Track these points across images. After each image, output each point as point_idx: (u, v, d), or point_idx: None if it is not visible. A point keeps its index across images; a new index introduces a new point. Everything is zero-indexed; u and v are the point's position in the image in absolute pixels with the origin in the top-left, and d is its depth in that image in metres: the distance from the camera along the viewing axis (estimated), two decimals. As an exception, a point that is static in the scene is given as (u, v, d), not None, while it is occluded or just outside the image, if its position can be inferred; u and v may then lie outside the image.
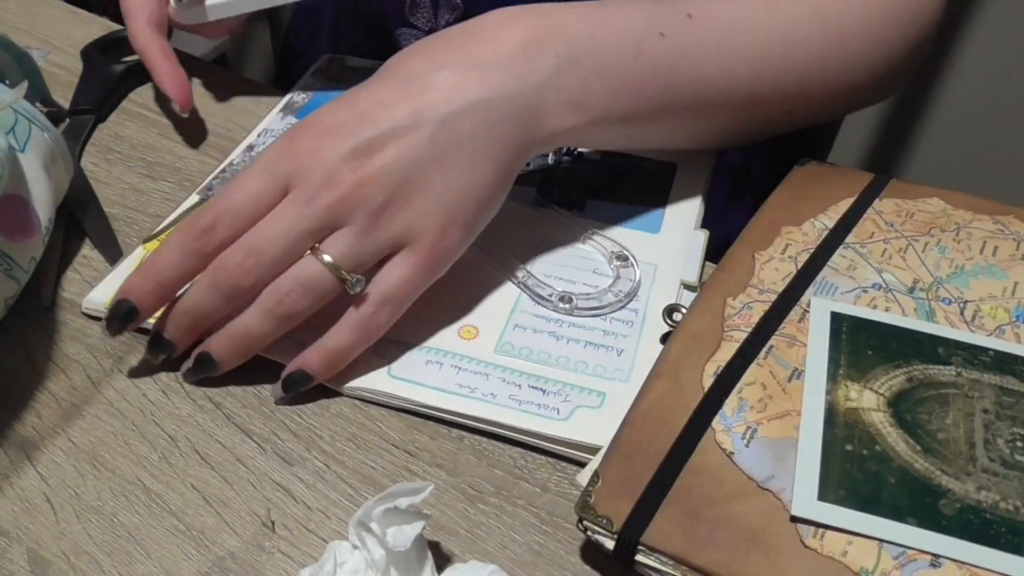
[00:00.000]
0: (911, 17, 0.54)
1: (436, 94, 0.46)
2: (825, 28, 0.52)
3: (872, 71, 0.54)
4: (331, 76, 0.68)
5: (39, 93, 0.64)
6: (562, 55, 0.48)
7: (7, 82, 0.59)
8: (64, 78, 0.69)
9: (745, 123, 0.55)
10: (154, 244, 0.55)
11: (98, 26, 0.75)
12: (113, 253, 0.55)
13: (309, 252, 0.45)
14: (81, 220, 0.57)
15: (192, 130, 0.65)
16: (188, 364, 0.48)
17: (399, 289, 0.46)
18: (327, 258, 0.44)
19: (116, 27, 0.73)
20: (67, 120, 0.64)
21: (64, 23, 0.76)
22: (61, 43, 0.73)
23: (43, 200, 0.51)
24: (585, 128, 0.49)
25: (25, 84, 0.50)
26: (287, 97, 0.67)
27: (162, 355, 0.48)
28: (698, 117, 0.53)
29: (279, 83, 0.68)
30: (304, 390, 0.47)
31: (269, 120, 0.64)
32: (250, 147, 0.62)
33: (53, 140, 0.53)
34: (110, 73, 0.68)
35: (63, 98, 0.66)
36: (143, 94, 0.69)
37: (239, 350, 0.47)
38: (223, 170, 0.60)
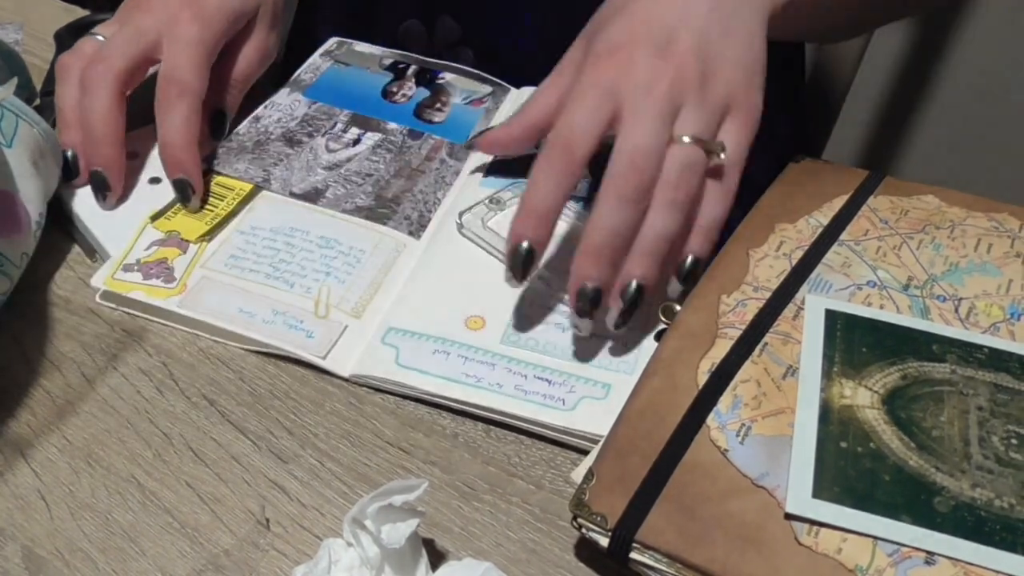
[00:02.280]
0: None
1: None
2: None
3: None
4: (339, 58, 0.68)
5: (26, 89, 0.63)
6: None
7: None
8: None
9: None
10: (162, 221, 0.55)
11: (92, 22, 0.75)
12: (87, 247, 0.56)
13: (670, 143, 0.47)
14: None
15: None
16: (615, 315, 0.48)
17: (739, 149, 0.49)
18: (686, 139, 0.47)
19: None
20: (38, 101, 0.64)
21: (57, 19, 0.75)
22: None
23: (32, 195, 0.51)
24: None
25: (14, 81, 0.50)
26: (295, 74, 0.67)
27: (594, 306, 0.47)
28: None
29: (277, 84, 0.68)
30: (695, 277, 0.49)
31: (277, 95, 0.65)
32: (256, 117, 0.63)
33: (42, 135, 0.53)
34: None
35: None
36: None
37: (659, 259, 0.47)
38: (229, 140, 0.61)
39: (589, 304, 0.47)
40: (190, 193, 0.56)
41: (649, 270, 0.47)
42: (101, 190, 0.56)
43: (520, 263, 0.47)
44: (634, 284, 0.47)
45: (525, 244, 0.47)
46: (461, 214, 0.55)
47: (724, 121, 0.49)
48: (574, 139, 0.47)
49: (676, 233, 0.47)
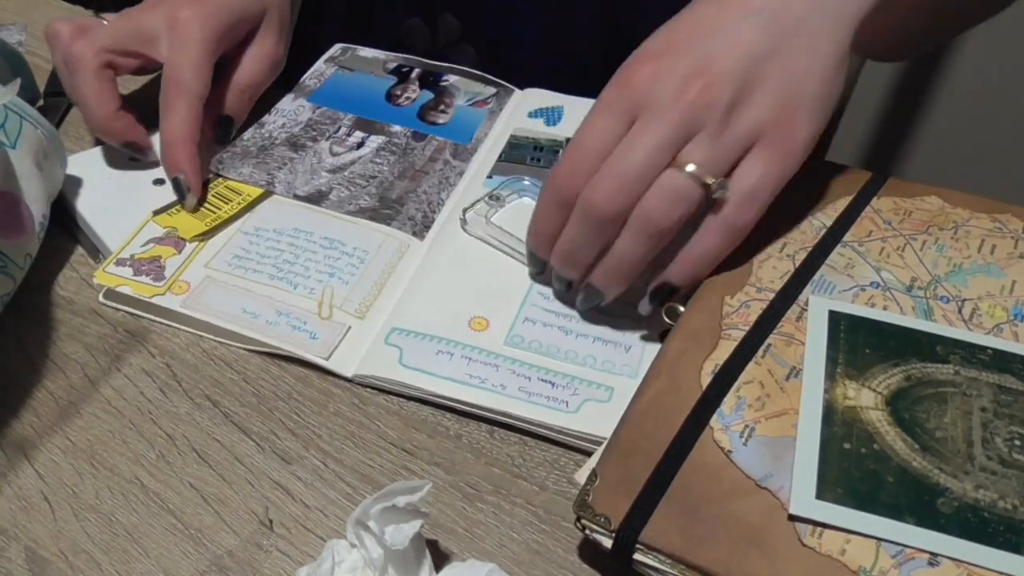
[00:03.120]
0: None
1: None
2: None
3: None
4: (343, 64, 0.68)
5: (30, 91, 0.64)
6: None
7: None
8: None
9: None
10: (164, 217, 0.56)
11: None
12: (91, 247, 0.56)
13: (668, 167, 0.45)
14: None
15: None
16: (580, 296, 0.50)
17: (758, 185, 0.46)
18: (689, 168, 0.44)
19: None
20: (41, 102, 0.64)
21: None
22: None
23: (36, 196, 0.51)
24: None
25: (17, 82, 0.50)
26: (300, 80, 0.67)
27: (560, 290, 0.51)
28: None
29: (281, 89, 0.68)
30: (671, 297, 0.48)
31: (283, 101, 0.65)
32: (261, 123, 0.63)
33: (46, 136, 0.53)
34: None
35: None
36: (121, 80, 0.69)
37: (618, 277, 0.47)
38: (233, 145, 0.61)
39: (564, 287, 0.50)
40: (186, 191, 0.56)
41: (609, 284, 0.48)
42: (133, 153, 0.59)
43: (537, 271, 0.52)
44: (591, 286, 0.48)
45: (541, 262, 0.50)
46: (464, 211, 0.55)
47: (750, 152, 0.46)
48: (577, 167, 0.46)
49: (641, 258, 0.46)
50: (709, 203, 0.45)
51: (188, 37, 0.57)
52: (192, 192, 0.56)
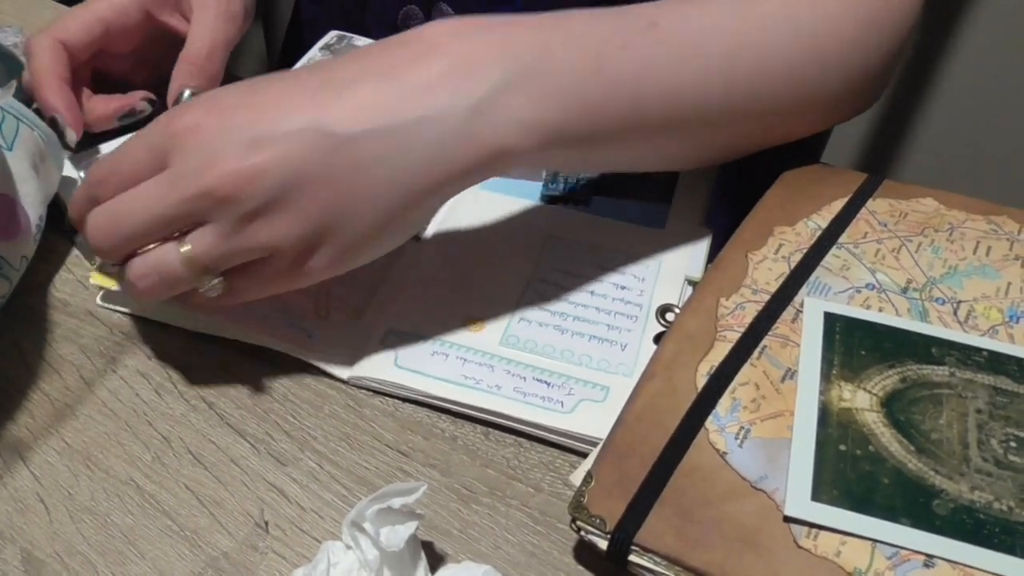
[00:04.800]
0: (888, 23, 0.51)
1: (347, 109, 0.42)
2: (799, 35, 0.48)
3: (849, 79, 0.51)
4: (339, 52, 0.68)
5: (27, 94, 0.63)
6: (511, 71, 0.43)
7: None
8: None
9: (718, 142, 0.51)
10: None
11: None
12: (86, 249, 0.55)
13: (173, 239, 0.43)
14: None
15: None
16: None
17: (248, 290, 0.45)
18: (185, 250, 0.42)
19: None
20: (35, 104, 0.64)
21: (58, 22, 0.75)
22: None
23: (32, 199, 0.51)
24: (540, 151, 0.45)
25: (14, 83, 0.50)
26: (294, 68, 0.67)
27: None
28: (667, 136, 0.48)
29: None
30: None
31: None
32: None
33: (42, 138, 0.53)
34: None
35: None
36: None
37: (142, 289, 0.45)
38: None
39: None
40: (63, 127, 0.56)
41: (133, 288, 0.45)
42: (60, 135, 0.56)
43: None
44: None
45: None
46: None
47: (260, 261, 0.43)
48: (105, 182, 0.44)
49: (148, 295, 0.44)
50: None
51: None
52: (71, 128, 0.56)
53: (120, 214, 0.43)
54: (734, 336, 0.44)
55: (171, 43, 0.61)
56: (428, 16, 0.76)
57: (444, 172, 0.43)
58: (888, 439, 0.40)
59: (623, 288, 0.52)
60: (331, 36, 0.70)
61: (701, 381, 0.43)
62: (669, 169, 0.54)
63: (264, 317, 0.50)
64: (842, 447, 0.39)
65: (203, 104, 0.43)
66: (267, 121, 0.41)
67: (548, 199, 0.57)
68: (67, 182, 0.57)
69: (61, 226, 0.56)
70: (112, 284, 0.52)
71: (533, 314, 0.51)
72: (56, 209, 0.56)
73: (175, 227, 0.42)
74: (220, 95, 0.43)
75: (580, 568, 0.41)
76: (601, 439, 0.43)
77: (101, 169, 0.45)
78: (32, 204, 0.51)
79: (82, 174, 0.58)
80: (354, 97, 0.42)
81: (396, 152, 0.42)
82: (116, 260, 0.45)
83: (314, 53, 0.68)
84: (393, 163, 0.42)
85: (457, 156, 0.43)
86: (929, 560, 0.36)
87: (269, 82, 0.44)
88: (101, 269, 0.51)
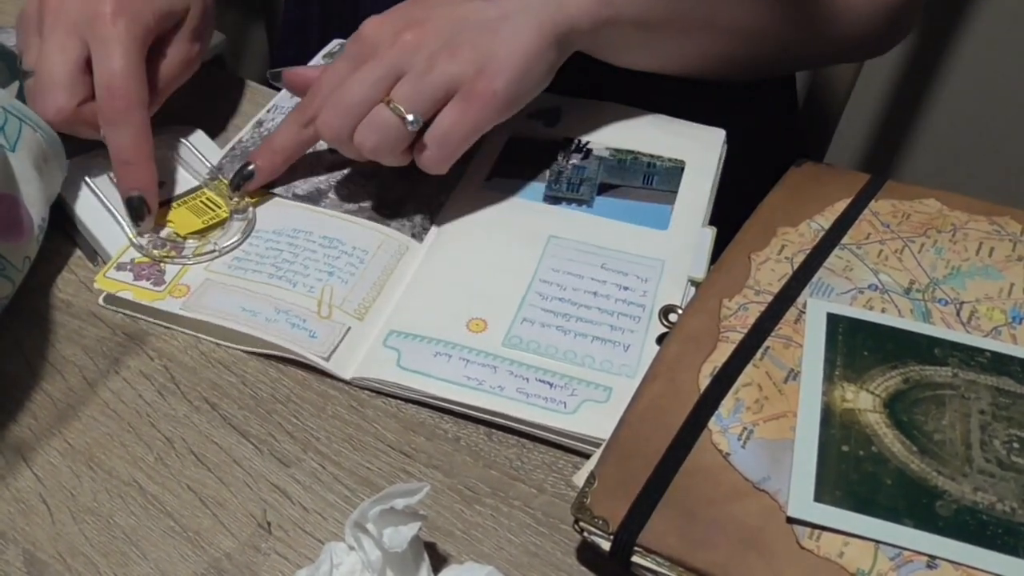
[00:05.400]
0: None
1: None
2: None
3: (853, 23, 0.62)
4: None
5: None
6: None
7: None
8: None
9: (747, 53, 0.61)
10: (161, 212, 0.56)
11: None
12: (89, 250, 0.56)
13: (380, 102, 0.52)
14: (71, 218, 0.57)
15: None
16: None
17: (448, 130, 0.52)
18: (392, 103, 0.51)
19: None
20: None
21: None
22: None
23: (35, 199, 0.51)
24: (604, 24, 0.55)
25: (16, 84, 0.50)
26: None
27: (247, 182, 0.57)
28: (706, 38, 0.59)
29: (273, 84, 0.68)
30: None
31: (279, 97, 0.65)
32: (259, 122, 0.63)
33: (45, 139, 0.53)
34: None
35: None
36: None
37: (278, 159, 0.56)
38: (232, 148, 0.61)
39: (244, 178, 0.57)
40: (145, 212, 0.54)
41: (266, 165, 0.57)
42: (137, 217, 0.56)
43: (242, 177, 0.57)
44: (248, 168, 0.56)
45: (253, 168, 0.57)
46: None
47: (451, 100, 0.52)
48: (314, 98, 0.54)
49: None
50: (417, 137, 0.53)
51: (115, 35, 0.53)
52: (152, 214, 0.55)
53: (341, 100, 0.52)
54: (737, 337, 0.44)
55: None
56: None
57: (557, 27, 0.54)
58: (891, 440, 0.40)
59: (626, 289, 0.52)
60: (334, 44, 0.70)
61: (704, 382, 0.43)
62: (710, 72, 0.63)
63: (267, 319, 0.50)
64: (845, 448, 0.39)
65: (376, 18, 0.54)
66: (429, 3, 0.54)
67: (551, 200, 0.57)
68: (69, 183, 0.57)
69: (63, 227, 0.57)
70: (116, 287, 0.52)
71: (536, 315, 0.51)
72: (59, 210, 0.56)
73: (384, 90, 0.52)
74: (385, 12, 0.55)
75: (583, 569, 0.41)
76: (603, 440, 0.43)
77: (307, 100, 0.56)
78: (35, 205, 0.51)
79: (87, 179, 0.58)
80: None
81: (525, 6, 0.53)
82: (346, 137, 0.53)
83: (317, 61, 0.69)
84: (524, 15, 0.53)
85: (557, 17, 0.54)
86: (932, 561, 0.36)
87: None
88: (144, 251, 0.54)
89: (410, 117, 0.51)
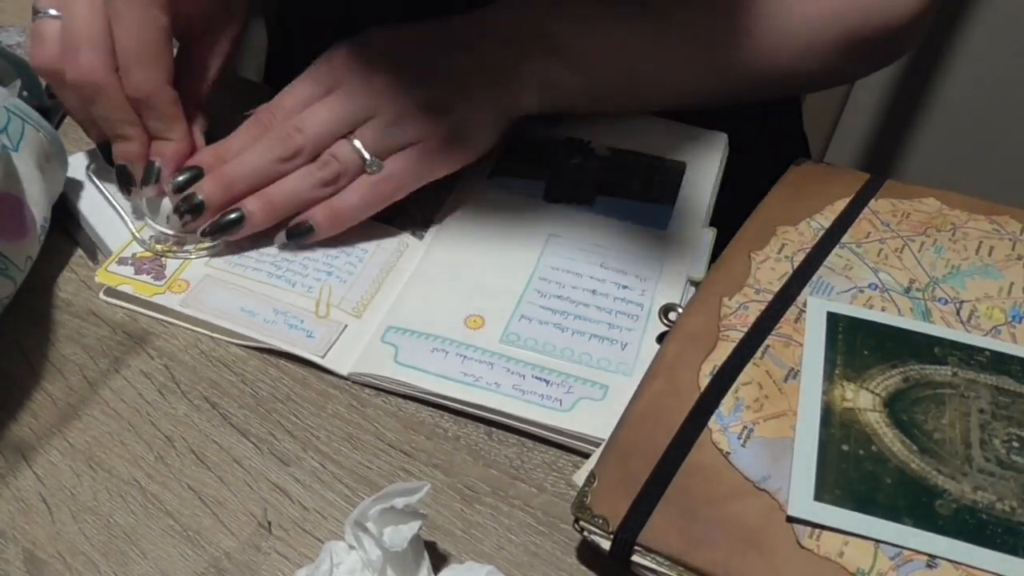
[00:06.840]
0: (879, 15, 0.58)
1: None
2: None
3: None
4: None
5: (37, 96, 0.63)
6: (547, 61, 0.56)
7: (0, 82, 0.59)
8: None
9: (713, 94, 0.61)
10: None
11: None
12: (90, 248, 0.55)
13: (342, 137, 0.53)
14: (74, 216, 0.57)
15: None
16: (181, 222, 0.54)
17: (405, 170, 0.53)
18: (356, 142, 0.52)
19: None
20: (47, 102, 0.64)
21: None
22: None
23: (38, 199, 0.51)
24: (553, 108, 0.58)
25: (18, 83, 0.50)
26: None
27: (195, 215, 0.53)
28: (655, 94, 0.60)
29: (272, 82, 0.68)
30: (304, 241, 0.54)
31: None
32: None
33: (48, 139, 0.53)
34: None
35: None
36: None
37: (271, 207, 0.53)
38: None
39: (190, 210, 0.53)
40: (150, 178, 0.54)
41: (263, 209, 0.53)
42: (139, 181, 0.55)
43: (186, 180, 0.53)
44: (237, 215, 0.53)
45: (199, 171, 0.53)
46: None
47: (411, 147, 0.53)
48: (274, 115, 0.54)
49: (300, 193, 0.53)
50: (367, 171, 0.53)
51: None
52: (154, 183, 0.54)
53: (308, 121, 0.53)
54: (737, 336, 0.44)
55: None
56: None
57: (510, 98, 0.56)
58: (891, 439, 0.40)
59: (624, 287, 0.52)
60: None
61: (704, 381, 0.43)
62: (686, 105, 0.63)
63: (265, 320, 0.50)
64: (845, 447, 0.39)
65: (353, 47, 0.54)
66: (422, 47, 0.55)
67: (552, 199, 0.57)
68: (72, 179, 0.57)
69: (65, 226, 0.57)
70: (116, 281, 0.52)
71: (534, 312, 0.51)
72: (59, 209, 0.56)
73: (348, 128, 0.53)
74: (364, 38, 0.55)
75: (583, 568, 0.41)
76: (599, 438, 0.43)
77: (265, 113, 0.55)
78: (38, 204, 0.51)
79: (91, 174, 0.58)
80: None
81: (486, 85, 0.55)
82: (306, 158, 0.53)
83: None
84: (486, 92, 0.55)
85: (512, 90, 0.56)
86: (932, 560, 0.36)
87: (406, 26, 0.56)
88: (151, 249, 0.54)
89: (371, 160, 0.53)
